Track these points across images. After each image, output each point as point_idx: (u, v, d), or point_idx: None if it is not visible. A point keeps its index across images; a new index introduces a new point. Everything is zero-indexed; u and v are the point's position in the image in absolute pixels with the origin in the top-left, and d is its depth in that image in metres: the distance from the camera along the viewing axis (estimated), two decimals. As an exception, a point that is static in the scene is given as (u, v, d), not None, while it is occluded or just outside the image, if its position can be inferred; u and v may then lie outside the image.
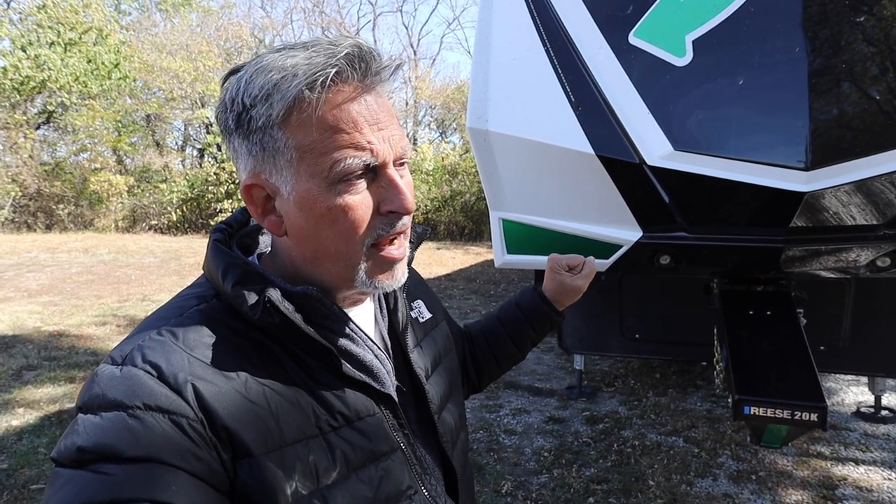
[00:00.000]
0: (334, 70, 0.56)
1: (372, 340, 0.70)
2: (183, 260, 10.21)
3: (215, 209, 14.30)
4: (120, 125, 15.71)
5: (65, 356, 4.79)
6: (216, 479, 0.53)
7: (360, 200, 0.60)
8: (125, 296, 7.33)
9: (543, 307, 1.03)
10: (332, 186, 0.59)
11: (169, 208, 14.60)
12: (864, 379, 3.49)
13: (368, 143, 0.58)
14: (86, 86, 14.08)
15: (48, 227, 14.19)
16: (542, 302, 1.03)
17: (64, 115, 14.81)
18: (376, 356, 0.69)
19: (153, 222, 14.76)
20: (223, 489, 0.54)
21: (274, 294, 0.59)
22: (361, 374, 0.65)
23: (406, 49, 23.50)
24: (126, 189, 14.53)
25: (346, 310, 0.69)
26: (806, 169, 1.70)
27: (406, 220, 0.64)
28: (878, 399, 3.39)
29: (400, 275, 0.66)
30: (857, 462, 2.92)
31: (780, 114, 1.75)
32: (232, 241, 0.69)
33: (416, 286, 0.88)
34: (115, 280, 8.35)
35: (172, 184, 14.86)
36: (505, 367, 1.07)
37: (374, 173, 0.61)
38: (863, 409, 3.48)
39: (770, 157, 1.73)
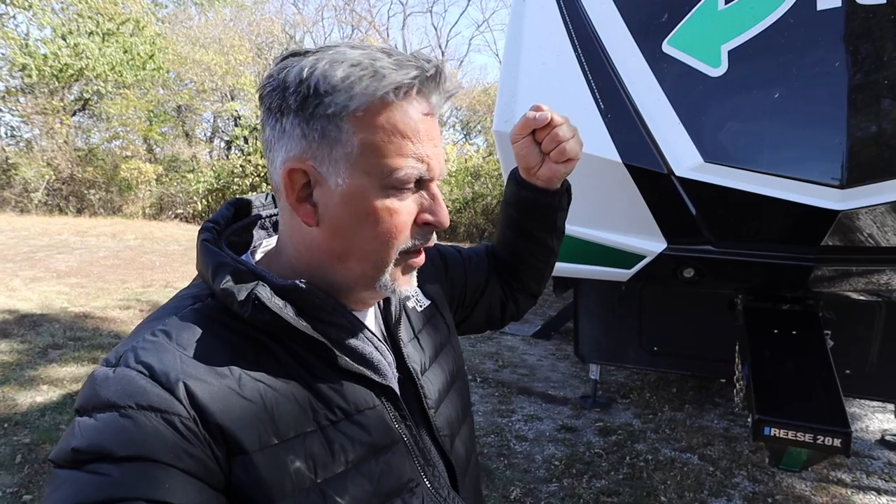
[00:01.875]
0: (412, 75, 0.58)
1: (371, 332, 0.69)
2: (206, 249, 10.38)
3: (240, 201, 14.50)
4: (152, 115, 16.07)
5: (89, 337, 4.92)
6: (211, 476, 0.53)
7: (404, 207, 0.62)
8: (149, 281, 7.49)
9: (521, 192, 0.90)
10: (385, 189, 0.60)
11: (195, 198, 14.88)
12: (891, 406, 3.38)
13: (428, 156, 0.62)
14: (121, 75, 14.44)
15: (79, 211, 14.58)
16: (518, 187, 0.91)
17: (99, 103, 15.21)
18: (376, 347, 0.68)
19: (179, 211, 15.07)
20: (218, 486, 0.54)
21: (263, 291, 0.58)
22: (360, 367, 0.64)
23: (434, 50, 23.57)
24: (155, 177, 14.86)
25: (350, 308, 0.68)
26: (841, 187, 1.65)
27: (434, 235, 0.67)
28: (904, 427, 3.28)
29: (416, 282, 0.69)
30: (878, 492, 2.83)
31: (816, 129, 1.71)
32: (221, 239, 0.69)
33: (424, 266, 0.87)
34: (140, 266, 8.54)
35: (199, 174, 15.15)
36: (538, 264, 0.99)
37: (421, 186, 0.63)
38: (888, 438, 3.38)
39: (804, 173, 1.69)
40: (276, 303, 0.59)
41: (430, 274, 0.88)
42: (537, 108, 0.81)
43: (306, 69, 0.58)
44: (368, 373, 0.65)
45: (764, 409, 1.85)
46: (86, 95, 15.18)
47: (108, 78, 14.33)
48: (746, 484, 2.87)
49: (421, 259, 0.67)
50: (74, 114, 15.53)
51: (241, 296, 0.58)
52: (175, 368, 0.55)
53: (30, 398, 3.60)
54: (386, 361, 0.69)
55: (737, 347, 2.33)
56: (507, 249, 1.00)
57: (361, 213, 0.61)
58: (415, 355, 0.75)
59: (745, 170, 1.74)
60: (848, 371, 2.75)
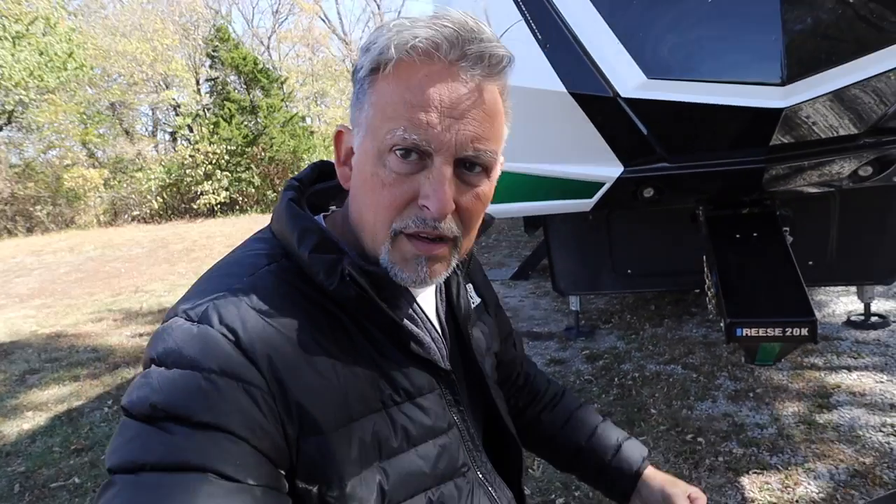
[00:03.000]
0: (426, 36, 0.54)
1: (431, 322, 0.70)
2: (171, 247, 10.11)
3: (196, 192, 14.07)
4: (85, 117, 15.21)
5: (66, 356, 4.79)
6: (278, 454, 0.53)
7: (401, 181, 0.57)
8: (117, 290, 7.29)
9: (611, 487, 0.90)
10: (382, 155, 0.57)
11: (149, 197, 14.36)
12: (854, 288, 3.56)
13: (429, 123, 0.54)
14: (42, 80, 13.53)
15: (29, 230, 13.95)
16: (621, 498, 0.89)
17: (25, 114, 14.30)
18: (433, 338, 0.69)
19: (135, 213, 14.54)
20: (283, 466, 0.54)
21: (353, 267, 0.58)
22: (423, 352, 0.65)
23: (370, 3, 22.59)
24: (102, 182, 14.24)
25: (411, 290, 0.67)
26: (782, 84, 1.66)
27: (444, 226, 0.58)
28: (867, 306, 3.47)
29: (426, 275, 0.60)
30: (849, 369, 3.02)
31: (751, 30, 1.70)
32: (303, 199, 0.67)
33: (475, 268, 0.87)
34: (105, 275, 8.28)
35: (149, 171, 14.56)
36: (541, 452, 0.98)
37: (430, 161, 0.56)
38: (853, 318, 3.57)
39: (745, 76, 1.69)
40: (364, 281, 0.58)
41: (480, 276, 0.88)
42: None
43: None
44: (430, 359, 0.66)
45: (734, 312, 1.92)
46: (8, 107, 14.22)
47: (28, 85, 13.42)
48: (728, 384, 3.02)
49: (426, 248, 0.59)
50: (0, 129, 14.60)
51: (329, 266, 0.58)
52: (260, 338, 0.54)
53: (17, 427, 3.52)
54: (441, 353, 0.70)
55: (704, 257, 2.40)
56: (550, 435, 0.95)
57: (363, 177, 0.59)
58: (476, 345, 0.76)
59: (687, 81, 1.73)
60: (810, 262, 2.87)
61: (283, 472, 0.54)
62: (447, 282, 0.75)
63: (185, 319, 0.55)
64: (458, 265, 0.68)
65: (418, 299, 0.69)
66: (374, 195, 0.58)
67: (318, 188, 0.72)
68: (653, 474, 0.87)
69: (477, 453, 0.71)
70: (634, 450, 0.91)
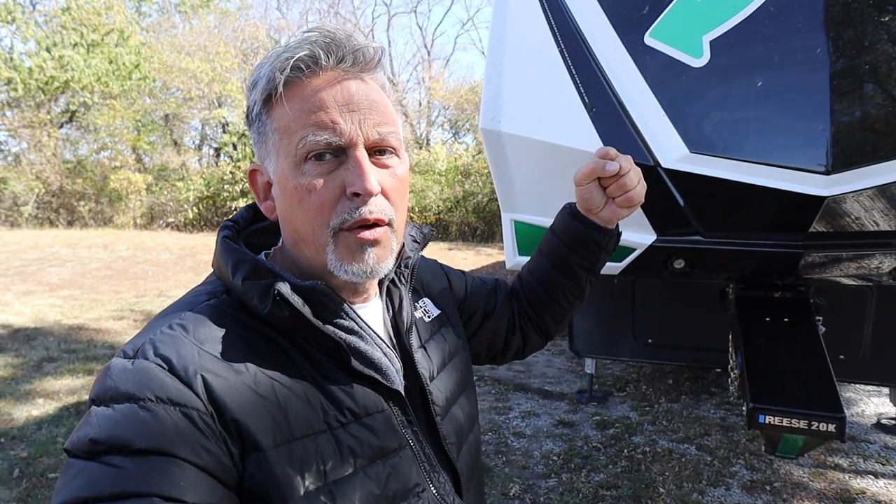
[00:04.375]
0: (303, 53, 0.59)
1: (380, 338, 0.69)
2: (198, 257, 10.34)
3: (230, 207, 14.46)
4: (139, 124, 15.99)
5: (83, 349, 4.88)
6: (224, 473, 0.53)
7: (324, 181, 0.60)
8: (142, 291, 7.45)
9: (575, 224, 0.88)
10: (299, 166, 0.60)
11: (185, 206, 14.80)
12: (885, 390, 3.40)
13: (332, 121, 0.59)
14: (107, 86, 14.35)
15: (69, 224, 14.48)
16: (572, 219, 0.88)
17: (86, 115, 15.12)
18: (384, 353, 0.68)
19: (170, 219, 14.98)
20: (231, 483, 0.54)
21: (283, 287, 0.59)
22: (370, 370, 0.64)
23: (420, 50, 23.58)
24: (144, 187, 14.78)
25: (353, 306, 0.68)
26: (826, 173, 1.65)
27: (377, 208, 0.61)
28: (899, 410, 3.30)
29: (374, 262, 0.62)
30: (876, 475, 2.85)
31: (799, 116, 1.71)
32: (239, 238, 0.70)
33: (424, 283, 0.87)
34: (132, 276, 8.48)
35: (189, 182, 15.07)
36: (564, 302, 0.96)
37: (345, 155, 0.61)
38: (883, 421, 3.40)
39: (789, 161, 1.69)
40: (296, 299, 0.59)
41: (437, 285, 0.89)
42: (605, 156, 0.79)
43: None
44: (378, 376, 0.65)
45: (758, 398, 1.85)
46: (72, 107, 15.08)
47: (94, 89, 14.25)
48: (744, 472, 2.88)
49: (368, 234, 0.61)
50: (62, 126, 15.42)
51: (262, 290, 0.59)
52: (193, 362, 0.55)
53: (26, 412, 3.57)
54: (394, 368, 0.69)
55: (730, 336, 2.34)
56: (538, 279, 0.96)
57: (288, 195, 0.62)
58: (424, 362, 0.75)
59: (730, 159, 1.74)
60: (842, 356, 2.77)
61: (232, 490, 0.54)
62: (390, 296, 0.75)
63: (123, 358, 0.56)
64: (399, 276, 0.72)
65: (362, 314, 0.68)
66: (302, 205, 0.61)
67: (254, 228, 0.74)
68: (577, 199, 0.88)
69: (434, 473, 0.68)
70: (557, 217, 0.94)
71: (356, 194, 0.60)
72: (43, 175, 14.17)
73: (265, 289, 0.59)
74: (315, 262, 0.64)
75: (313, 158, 0.60)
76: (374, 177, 0.60)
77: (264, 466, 0.55)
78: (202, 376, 0.54)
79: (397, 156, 0.65)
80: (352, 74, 0.61)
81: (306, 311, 0.59)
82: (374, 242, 0.62)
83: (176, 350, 0.55)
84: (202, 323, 0.59)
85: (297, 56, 0.58)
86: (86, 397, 3.80)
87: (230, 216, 0.73)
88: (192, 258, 10.23)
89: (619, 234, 0.92)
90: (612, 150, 0.79)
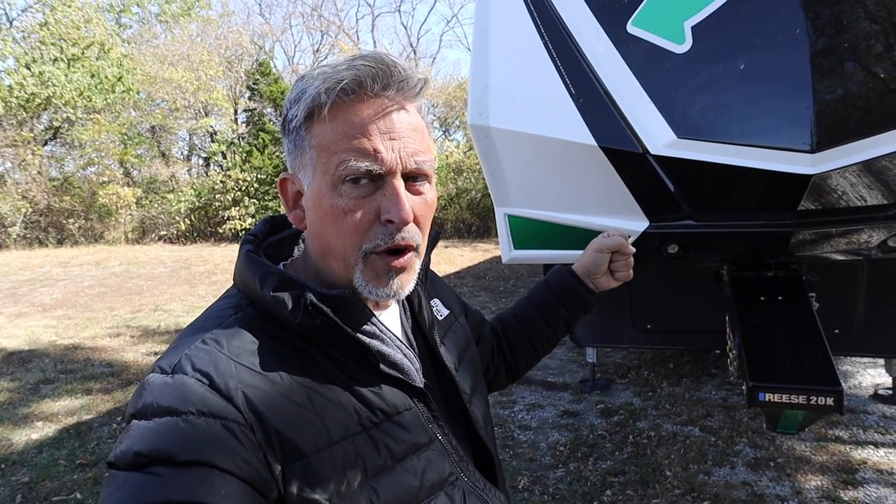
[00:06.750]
0: (350, 77, 0.60)
1: (399, 340, 0.72)
2: (193, 269, 10.29)
3: (223, 217, 14.39)
4: (125, 138, 15.86)
5: (80, 369, 4.85)
6: (263, 484, 0.55)
7: (360, 204, 0.62)
8: (137, 307, 7.40)
9: (571, 282, 1.04)
10: (336, 186, 0.62)
11: (177, 218, 14.71)
12: (881, 361, 3.45)
13: (375, 149, 0.61)
14: (90, 100, 14.22)
15: (59, 242, 14.36)
16: (570, 277, 1.05)
17: (70, 130, 14.97)
18: (405, 354, 0.71)
19: (162, 232, 14.89)
20: (269, 495, 0.55)
21: (313, 297, 0.61)
22: (395, 371, 0.67)
23: (406, 49, 23.52)
24: (134, 201, 14.67)
25: (374, 311, 0.71)
26: (812, 151, 1.67)
27: (409, 234, 0.64)
28: (895, 380, 3.34)
29: (398, 287, 0.66)
30: (876, 445, 2.89)
31: (783, 96, 1.73)
32: (259, 251, 0.72)
33: (432, 285, 0.90)
34: (127, 291, 8.43)
35: (180, 193, 14.98)
36: (540, 349, 1.09)
37: (382, 182, 0.63)
38: (880, 392, 3.45)
39: (774, 141, 1.71)
40: (326, 308, 0.61)
41: (442, 288, 0.94)
42: (626, 237, 1.00)
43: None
44: (402, 377, 0.68)
45: (757, 376, 1.87)
46: (56, 124, 14.93)
47: (77, 104, 14.12)
48: (748, 450, 2.91)
49: (398, 262, 0.65)
50: (46, 143, 15.27)
51: (292, 302, 0.61)
52: (232, 377, 0.57)
53: (25, 436, 3.54)
54: (414, 368, 0.72)
55: (727, 318, 2.37)
56: (523, 323, 1.07)
57: (322, 212, 0.64)
58: (447, 356, 0.79)
59: (717, 142, 1.75)
60: (836, 330, 2.80)
61: (269, 502, 0.55)
62: (409, 298, 0.78)
63: (160, 373, 0.58)
64: (418, 280, 0.73)
65: (382, 319, 0.71)
66: (337, 224, 0.63)
67: (271, 241, 0.76)
68: (582, 260, 1.06)
69: (463, 463, 0.72)
70: (553, 271, 1.09)
71: (390, 221, 0.62)
72: (29, 194, 14.03)
73: (296, 299, 0.61)
74: (342, 275, 0.66)
75: (350, 181, 0.62)
76: (409, 207, 0.63)
77: (308, 472, 0.56)
78: (242, 391, 0.56)
79: (429, 182, 0.68)
80: (395, 102, 0.63)
81: (336, 319, 0.62)
82: (399, 269, 0.65)
83: (214, 365, 0.57)
84: (234, 336, 0.61)
85: (345, 80, 0.60)
86: (86, 418, 3.78)
87: (249, 230, 0.75)
88: (187, 270, 10.17)
89: (599, 300, 1.08)
90: (627, 233, 0.99)
